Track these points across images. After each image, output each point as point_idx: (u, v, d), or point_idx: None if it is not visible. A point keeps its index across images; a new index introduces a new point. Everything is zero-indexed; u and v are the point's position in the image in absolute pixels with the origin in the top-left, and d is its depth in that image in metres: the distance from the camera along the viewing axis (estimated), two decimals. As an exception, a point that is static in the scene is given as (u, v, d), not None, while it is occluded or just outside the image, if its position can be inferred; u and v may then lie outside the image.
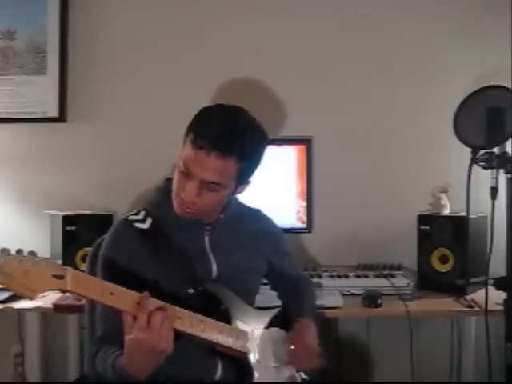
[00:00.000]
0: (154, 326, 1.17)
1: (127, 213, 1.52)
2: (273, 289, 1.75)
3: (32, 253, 1.12)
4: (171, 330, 1.20)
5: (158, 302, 1.22)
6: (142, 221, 1.47)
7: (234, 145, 1.34)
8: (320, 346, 1.53)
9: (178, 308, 1.27)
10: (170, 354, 1.21)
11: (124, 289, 1.21)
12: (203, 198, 1.37)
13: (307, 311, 1.62)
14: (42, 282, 1.11)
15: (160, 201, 1.50)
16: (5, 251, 1.10)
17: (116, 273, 1.40)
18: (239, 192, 1.49)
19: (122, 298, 1.20)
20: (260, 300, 1.62)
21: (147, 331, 1.17)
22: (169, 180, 1.48)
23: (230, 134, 1.35)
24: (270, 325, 1.52)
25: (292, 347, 1.49)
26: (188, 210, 1.40)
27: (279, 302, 1.67)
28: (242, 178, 1.43)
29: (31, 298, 1.12)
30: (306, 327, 1.54)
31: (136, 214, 1.49)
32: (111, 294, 1.19)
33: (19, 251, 1.11)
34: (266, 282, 1.74)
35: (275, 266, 1.65)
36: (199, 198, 1.37)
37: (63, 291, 1.16)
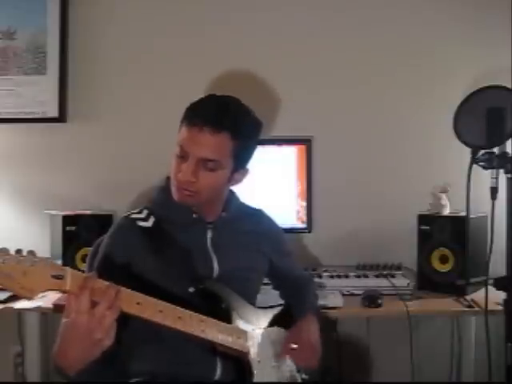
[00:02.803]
0: (96, 312, 1.10)
1: (129, 211, 1.52)
2: (275, 288, 1.76)
3: (31, 252, 1.12)
4: (113, 318, 1.12)
5: (106, 284, 1.15)
6: (145, 219, 1.47)
7: (226, 120, 1.36)
8: (320, 345, 1.54)
9: (178, 308, 1.27)
10: (108, 345, 1.13)
11: (123, 288, 1.20)
12: (200, 178, 1.38)
13: (309, 310, 1.63)
14: (41, 282, 1.10)
15: (162, 200, 1.50)
16: (3, 251, 1.08)
17: (114, 269, 1.39)
18: (237, 180, 1.49)
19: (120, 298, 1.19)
20: (262, 299, 1.62)
21: (88, 315, 1.10)
22: (170, 179, 1.49)
23: (223, 111, 1.38)
24: (271, 324, 1.52)
25: (293, 345, 1.49)
26: (186, 192, 1.39)
27: (280, 302, 1.68)
28: (238, 161, 1.43)
29: (30, 299, 1.10)
30: (307, 324, 1.55)
31: (139, 213, 1.49)
32: None
33: (18, 251, 1.10)
34: (267, 281, 1.74)
35: (276, 265, 1.66)
36: (196, 178, 1.37)
37: (62, 292, 1.14)
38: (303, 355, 1.49)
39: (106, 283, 1.15)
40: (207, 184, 1.39)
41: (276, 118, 2.38)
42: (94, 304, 1.11)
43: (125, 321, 1.22)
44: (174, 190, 1.42)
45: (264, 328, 1.49)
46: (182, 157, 1.38)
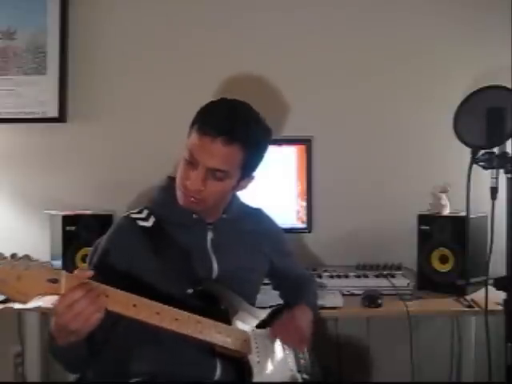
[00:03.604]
0: (74, 307, 1.12)
1: (130, 210, 1.52)
2: (275, 288, 1.76)
3: (27, 256, 1.11)
4: (92, 319, 1.14)
5: (94, 284, 1.17)
6: (145, 219, 1.47)
7: (239, 131, 1.36)
8: (309, 333, 1.54)
9: (175, 309, 1.27)
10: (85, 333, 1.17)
11: (119, 291, 1.21)
12: (208, 186, 1.38)
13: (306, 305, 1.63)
14: (36, 286, 1.10)
15: (163, 199, 1.50)
16: None
17: (113, 267, 1.39)
18: (242, 187, 1.49)
19: (116, 300, 1.19)
20: (262, 300, 1.62)
21: (67, 308, 1.13)
22: (171, 179, 1.49)
23: (236, 121, 1.37)
24: (270, 324, 1.52)
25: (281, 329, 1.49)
26: (192, 199, 1.39)
27: (280, 302, 1.68)
28: (246, 170, 1.44)
29: (24, 303, 1.11)
30: (300, 311, 1.56)
31: (139, 213, 1.49)
32: (107, 296, 1.18)
33: (13, 255, 1.11)
34: (267, 281, 1.74)
35: (276, 265, 1.66)
36: (204, 187, 1.37)
37: (58, 295, 1.14)
38: (291, 336, 1.49)
39: (95, 284, 1.16)
40: (214, 192, 1.40)
41: (276, 119, 2.38)
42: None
43: (114, 321, 1.23)
44: (179, 194, 1.42)
45: (264, 328, 1.49)
46: (191, 163, 1.38)
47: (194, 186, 1.37)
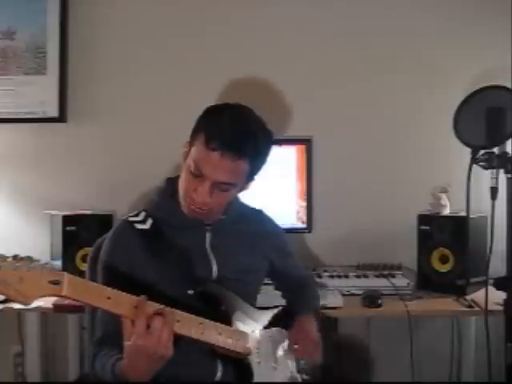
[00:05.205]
0: (153, 331, 1.16)
1: (128, 214, 1.52)
2: (277, 289, 1.76)
3: (29, 258, 1.12)
4: (171, 334, 1.19)
5: (156, 305, 1.21)
6: (143, 222, 1.46)
7: (247, 146, 1.35)
8: (320, 341, 1.55)
9: (176, 310, 1.27)
10: (170, 357, 1.20)
11: (122, 293, 1.21)
12: (214, 198, 1.38)
13: (308, 309, 1.63)
14: (38, 288, 1.11)
15: (161, 201, 1.50)
16: (0, 257, 1.09)
17: (116, 275, 1.39)
18: (244, 189, 1.49)
19: (119, 302, 1.19)
20: (262, 300, 1.61)
21: (146, 337, 1.16)
22: (170, 180, 1.49)
23: (244, 135, 1.35)
24: (271, 325, 1.52)
25: (294, 345, 1.49)
26: (198, 210, 1.39)
27: (280, 302, 1.68)
28: (251, 177, 1.44)
29: (27, 304, 1.11)
30: (306, 322, 1.56)
31: (136, 215, 1.49)
32: (108, 298, 1.18)
33: (15, 257, 1.11)
34: (269, 282, 1.74)
35: (277, 266, 1.65)
36: (211, 199, 1.37)
37: (59, 297, 1.15)
38: (306, 351, 1.50)
39: (157, 305, 1.20)
40: (220, 202, 1.40)
41: (277, 119, 2.38)
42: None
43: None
44: (184, 204, 1.42)
45: (264, 329, 1.49)
46: (197, 175, 1.36)
47: (201, 199, 1.37)
